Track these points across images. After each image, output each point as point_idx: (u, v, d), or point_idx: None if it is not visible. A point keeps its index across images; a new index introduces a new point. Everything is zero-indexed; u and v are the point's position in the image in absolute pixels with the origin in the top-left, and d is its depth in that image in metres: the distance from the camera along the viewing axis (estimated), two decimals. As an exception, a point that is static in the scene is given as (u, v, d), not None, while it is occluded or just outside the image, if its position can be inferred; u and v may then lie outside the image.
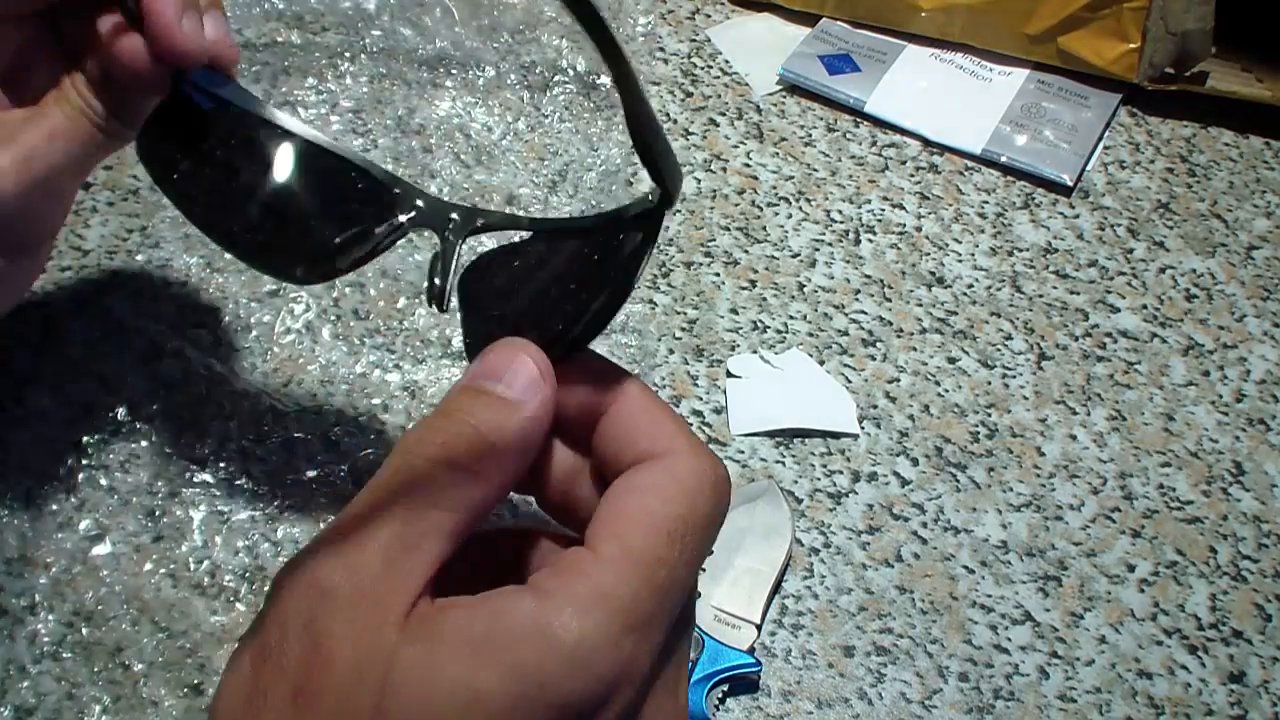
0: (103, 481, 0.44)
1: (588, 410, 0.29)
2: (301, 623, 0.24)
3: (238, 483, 0.44)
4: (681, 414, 0.29)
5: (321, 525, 0.43)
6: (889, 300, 0.54)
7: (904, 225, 0.57)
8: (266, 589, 0.26)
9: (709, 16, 0.65)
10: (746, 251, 0.55)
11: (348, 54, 0.59)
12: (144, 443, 0.45)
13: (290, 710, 0.24)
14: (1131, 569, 0.46)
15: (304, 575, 0.25)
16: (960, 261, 0.55)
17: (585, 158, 0.57)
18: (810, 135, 0.60)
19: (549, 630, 0.24)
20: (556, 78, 0.59)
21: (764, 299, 0.53)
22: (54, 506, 0.43)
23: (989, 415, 0.50)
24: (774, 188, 0.57)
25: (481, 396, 0.27)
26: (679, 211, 0.56)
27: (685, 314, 0.52)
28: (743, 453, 0.48)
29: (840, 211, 0.57)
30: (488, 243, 0.34)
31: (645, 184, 0.56)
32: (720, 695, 0.41)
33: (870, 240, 0.56)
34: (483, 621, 0.24)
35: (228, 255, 0.50)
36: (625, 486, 0.27)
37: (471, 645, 0.24)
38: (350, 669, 0.23)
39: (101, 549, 0.42)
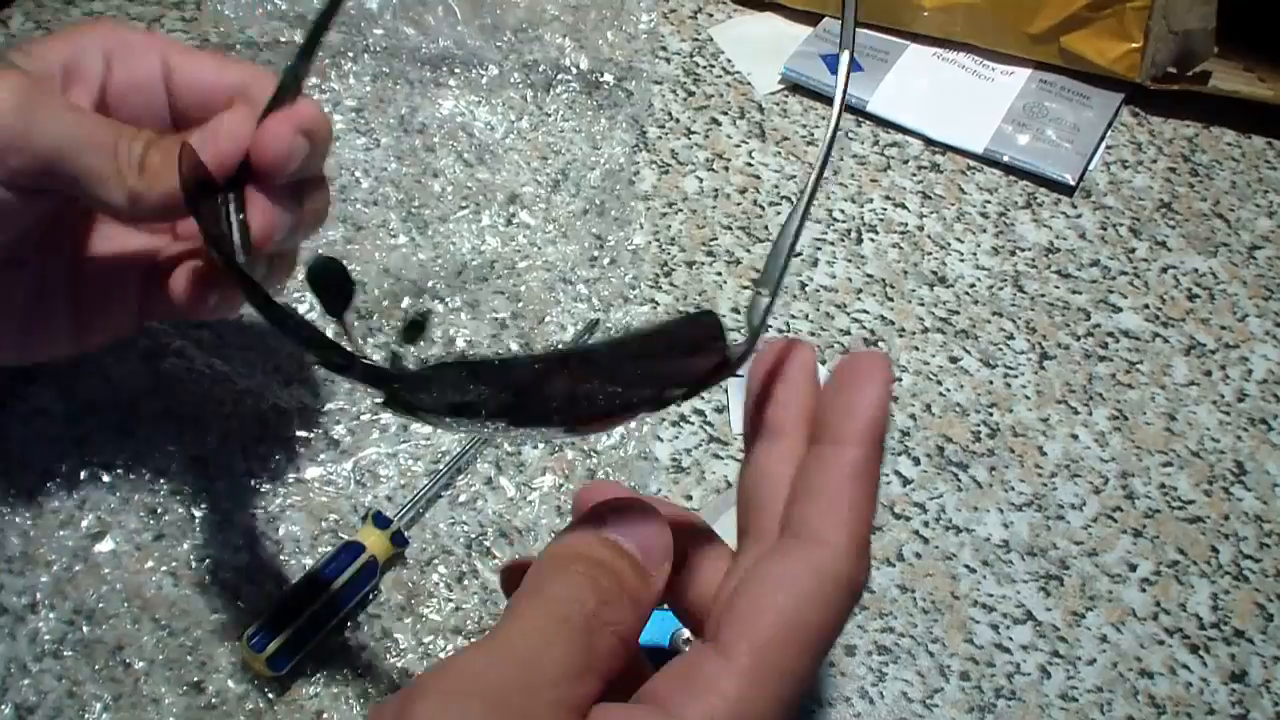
0: (104, 479, 0.44)
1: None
2: None
3: (239, 481, 0.44)
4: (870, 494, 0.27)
5: (323, 524, 0.44)
6: (891, 300, 0.54)
7: (906, 225, 0.57)
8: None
9: (711, 15, 0.65)
10: (749, 251, 0.55)
11: (350, 53, 0.59)
12: (146, 441, 0.45)
13: None
14: (1133, 568, 0.46)
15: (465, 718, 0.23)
16: (962, 261, 0.55)
17: (588, 156, 0.57)
18: (812, 134, 0.60)
19: None
20: (559, 76, 0.59)
21: (766, 298, 0.53)
22: (56, 504, 0.43)
23: (991, 415, 0.50)
24: (776, 187, 0.57)
25: (625, 558, 0.26)
26: (680, 211, 0.56)
27: (687, 313, 0.52)
28: (744, 452, 0.48)
29: (842, 211, 0.57)
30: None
31: (647, 184, 0.56)
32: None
33: (872, 240, 0.56)
34: None
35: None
36: (766, 576, 0.25)
37: None
38: None
39: (103, 547, 0.42)
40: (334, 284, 0.34)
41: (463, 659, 0.24)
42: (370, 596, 0.42)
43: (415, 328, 0.43)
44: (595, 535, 0.26)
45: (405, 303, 0.50)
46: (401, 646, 0.41)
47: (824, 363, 0.51)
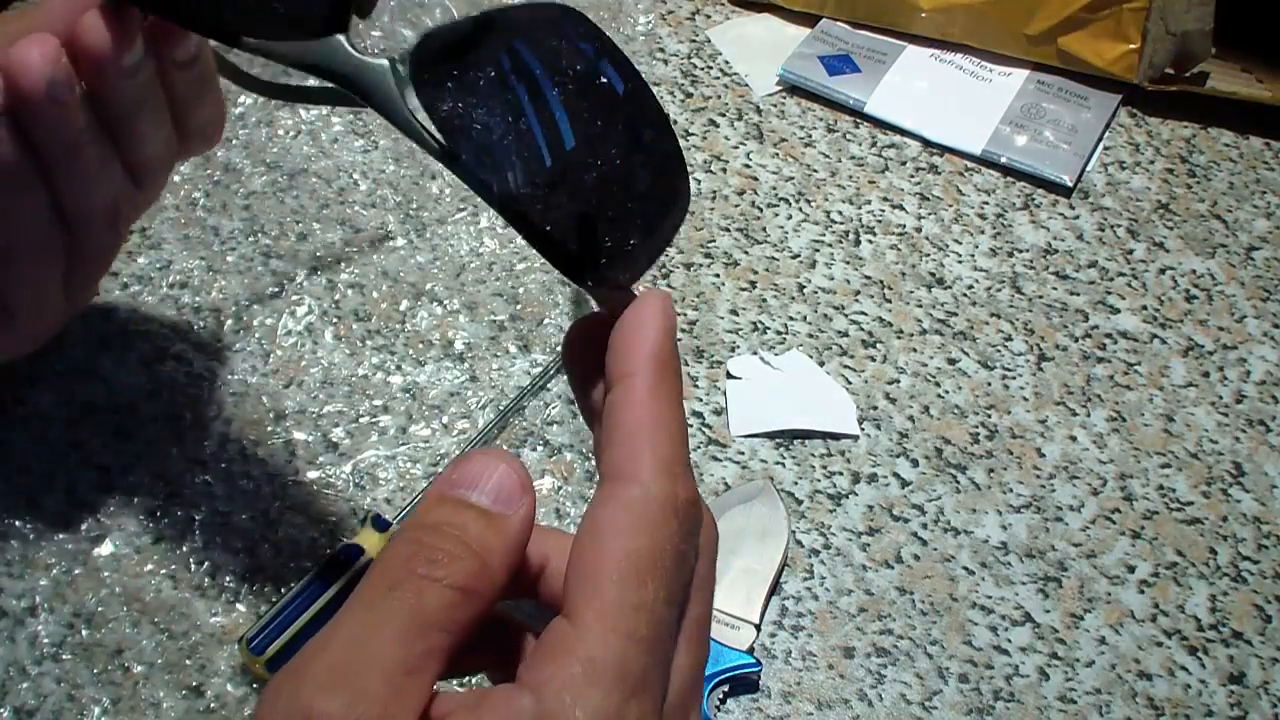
0: (103, 482, 0.44)
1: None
2: None
3: (238, 484, 0.44)
4: (685, 423, 0.28)
5: (322, 527, 0.44)
6: (889, 301, 0.54)
7: (904, 226, 0.57)
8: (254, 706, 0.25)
9: (709, 17, 0.65)
10: (746, 252, 0.55)
11: (348, 55, 0.59)
12: (145, 444, 0.45)
13: None
14: (1131, 570, 0.46)
15: (300, 703, 0.23)
16: (960, 262, 0.56)
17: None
18: (810, 136, 0.60)
19: None
20: (557, 79, 0.59)
21: (764, 300, 0.53)
22: (55, 508, 0.43)
23: (989, 416, 0.50)
24: (774, 188, 0.57)
25: (466, 510, 0.26)
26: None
27: (685, 315, 0.52)
28: (743, 454, 0.48)
29: (840, 212, 0.57)
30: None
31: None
32: (721, 696, 0.41)
33: (870, 241, 0.56)
34: None
35: (229, 258, 0.51)
36: (588, 527, 0.26)
37: None
38: None
39: (102, 550, 0.42)
40: None
41: (306, 646, 0.25)
42: (369, 599, 0.42)
43: None
44: (434, 499, 0.27)
45: (403, 305, 0.50)
46: (401, 649, 0.42)
47: (822, 364, 0.51)
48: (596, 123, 0.29)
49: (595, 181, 0.28)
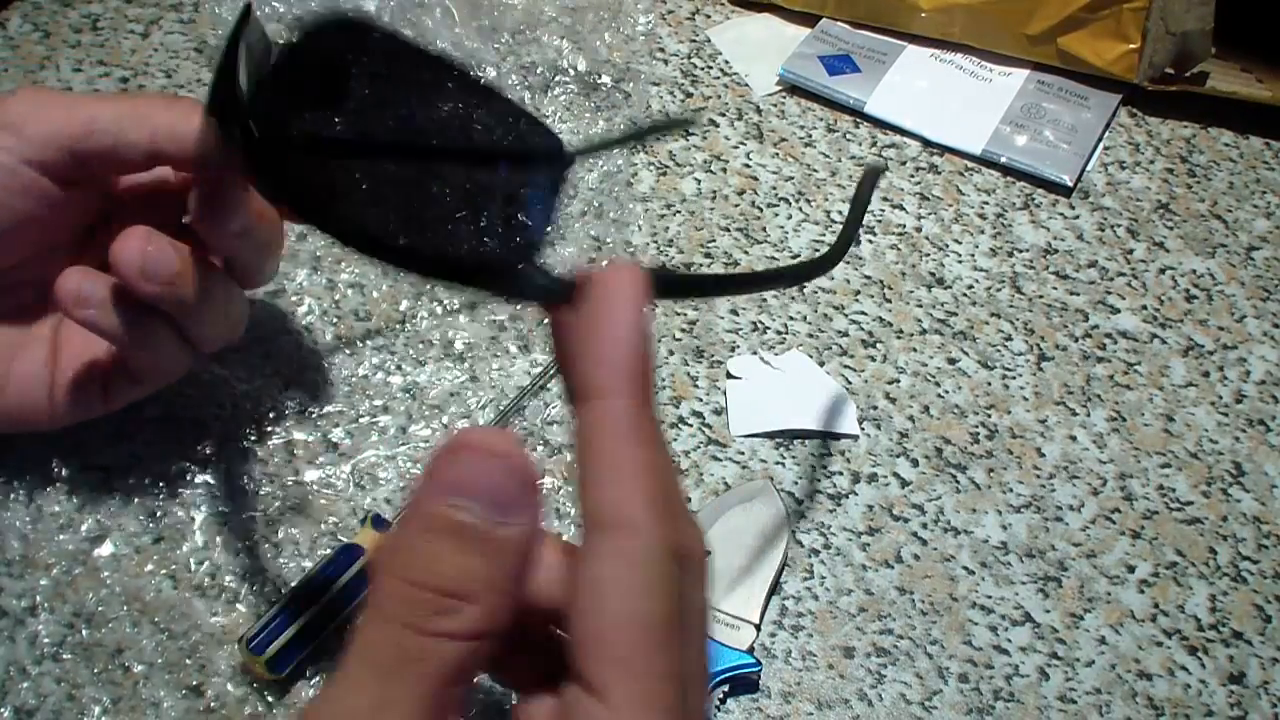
0: (104, 482, 0.44)
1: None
2: None
3: (238, 484, 0.44)
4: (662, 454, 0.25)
5: (322, 527, 0.44)
6: (889, 301, 0.54)
7: (904, 226, 0.57)
8: None
9: (709, 17, 0.65)
10: (746, 252, 0.55)
11: (348, 55, 0.59)
12: (145, 444, 0.45)
13: None
14: (1131, 570, 0.46)
15: None
16: (960, 262, 0.56)
17: (585, 158, 0.57)
18: (810, 136, 0.60)
19: None
20: (557, 78, 0.60)
21: (764, 300, 0.53)
22: (55, 508, 0.43)
23: (989, 416, 0.50)
24: (774, 188, 0.57)
25: (465, 532, 0.23)
26: (678, 212, 0.56)
27: (685, 315, 0.52)
28: (743, 454, 0.48)
29: (840, 212, 0.57)
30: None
31: (645, 185, 0.57)
32: (721, 696, 0.41)
33: (870, 241, 0.56)
34: None
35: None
36: (592, 588, 0.23)
37: None
38: None
39: (102, 550, 0.42)
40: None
41: (316, 710, 0.23)
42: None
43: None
44: (422, 513, 0.24)
45: (403, 305, 0.50)
46: (401, 649, 0.42)
47: (822, 364, 0.51)
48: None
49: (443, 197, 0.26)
